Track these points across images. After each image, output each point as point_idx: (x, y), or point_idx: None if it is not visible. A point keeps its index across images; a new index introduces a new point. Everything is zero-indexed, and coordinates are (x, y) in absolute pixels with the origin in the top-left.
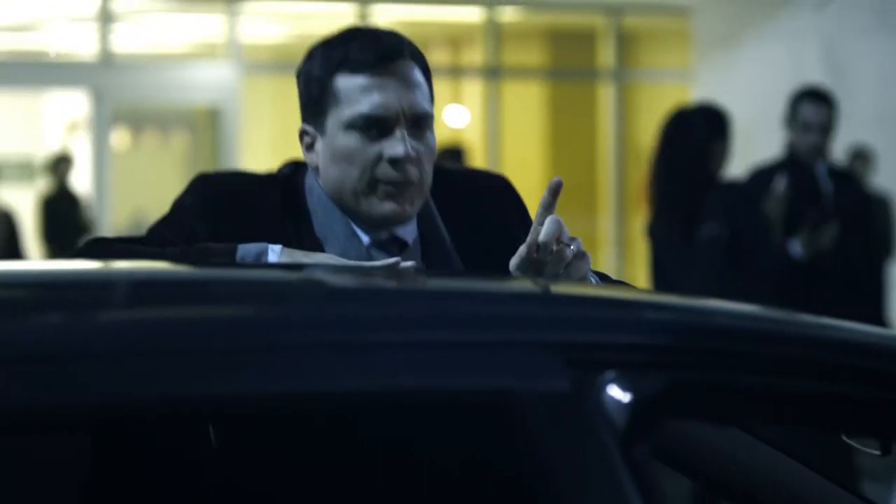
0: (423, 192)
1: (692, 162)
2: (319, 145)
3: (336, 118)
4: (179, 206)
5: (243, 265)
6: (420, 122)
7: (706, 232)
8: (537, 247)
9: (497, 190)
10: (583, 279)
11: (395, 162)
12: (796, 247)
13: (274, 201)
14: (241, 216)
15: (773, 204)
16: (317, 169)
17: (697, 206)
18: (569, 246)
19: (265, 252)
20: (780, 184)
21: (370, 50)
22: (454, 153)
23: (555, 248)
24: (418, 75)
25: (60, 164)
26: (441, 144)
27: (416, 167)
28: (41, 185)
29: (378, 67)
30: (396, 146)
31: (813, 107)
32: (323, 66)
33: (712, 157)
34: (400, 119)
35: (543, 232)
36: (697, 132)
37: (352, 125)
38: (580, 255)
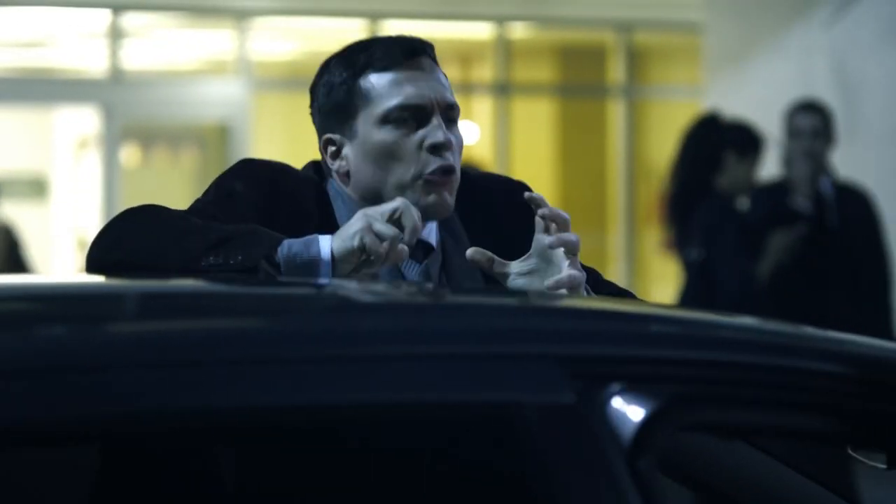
0: (457, 185)
1: (682, 166)
2: (348, 150)
3: (368, 116)
4: (229, 190)
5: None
6: (450, 114)
7: (687, 256)
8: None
9: (513, 192)
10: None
11: (435, 148)
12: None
13: (309, 206)
14: (283, 213)
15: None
16: (346, 175)
17: (687, 217)
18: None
19: (314, 241)
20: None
21: (396, 47)
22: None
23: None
24: (441, 72)
25: None
26: None
27: (453, 156)
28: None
29: (406, 62)
30: (436, 133)
31: (803, 115)
32: (346, 71)
33: (721, 170)
34: (434, 108)
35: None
36: (707, 139)
37: (387, 119)
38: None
